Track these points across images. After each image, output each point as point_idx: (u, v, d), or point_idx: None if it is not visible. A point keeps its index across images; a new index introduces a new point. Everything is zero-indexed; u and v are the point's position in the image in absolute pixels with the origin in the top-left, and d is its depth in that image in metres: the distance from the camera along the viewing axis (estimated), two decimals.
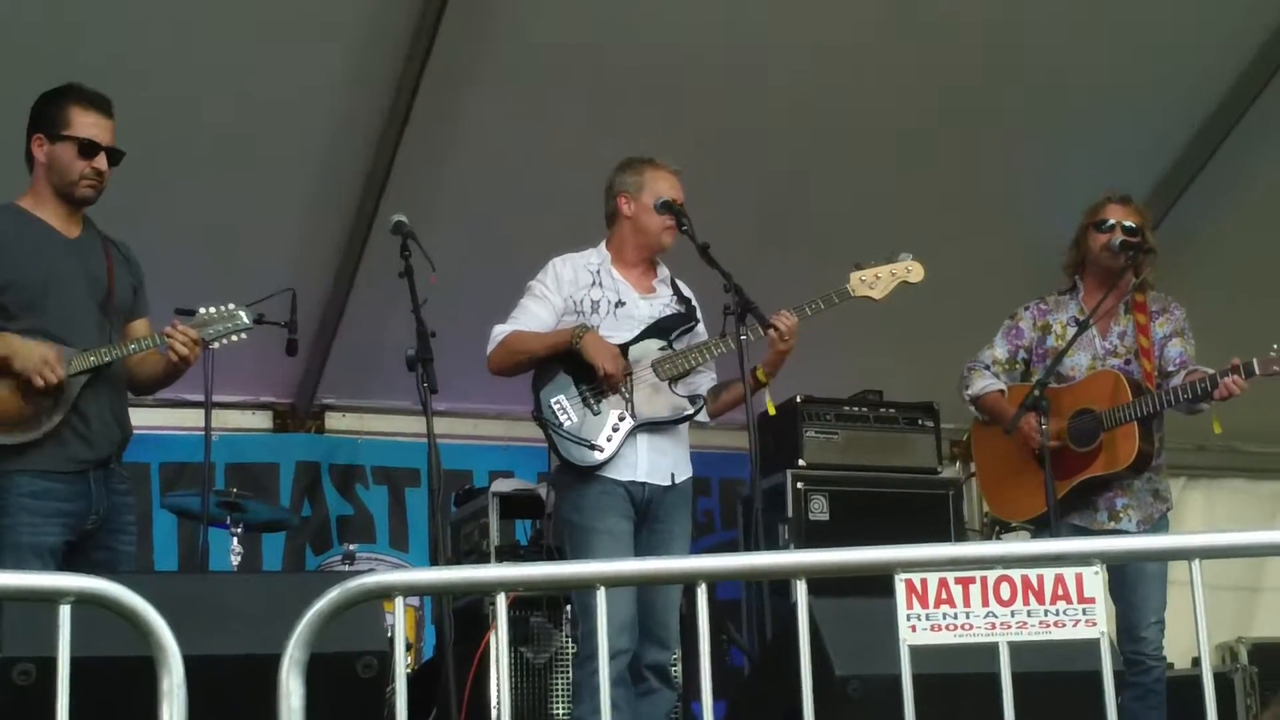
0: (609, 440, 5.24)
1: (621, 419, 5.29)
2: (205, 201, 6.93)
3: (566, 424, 5.27)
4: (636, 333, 5.42)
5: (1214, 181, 7.96)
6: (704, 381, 5.53)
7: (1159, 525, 5.70)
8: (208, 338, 4.81)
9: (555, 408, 5.30)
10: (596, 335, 5.33)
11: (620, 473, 5.26)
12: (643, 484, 5.28)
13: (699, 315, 5.54)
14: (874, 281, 5.52)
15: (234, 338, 4.87)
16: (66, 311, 4.69)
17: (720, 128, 7.12)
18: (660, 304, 5.51)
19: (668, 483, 5.33)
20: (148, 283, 5.05)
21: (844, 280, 5.51)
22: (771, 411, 5.65)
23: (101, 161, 4.77)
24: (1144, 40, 7.34)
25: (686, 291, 5.59)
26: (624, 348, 5.35)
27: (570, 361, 5.32)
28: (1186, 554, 3.04)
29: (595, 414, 5.29)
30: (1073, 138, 7.70)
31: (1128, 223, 5.76)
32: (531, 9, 6.71)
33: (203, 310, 4.83)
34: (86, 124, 4.76)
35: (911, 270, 5.55)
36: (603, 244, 5.55)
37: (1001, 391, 5.87)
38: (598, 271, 5.49)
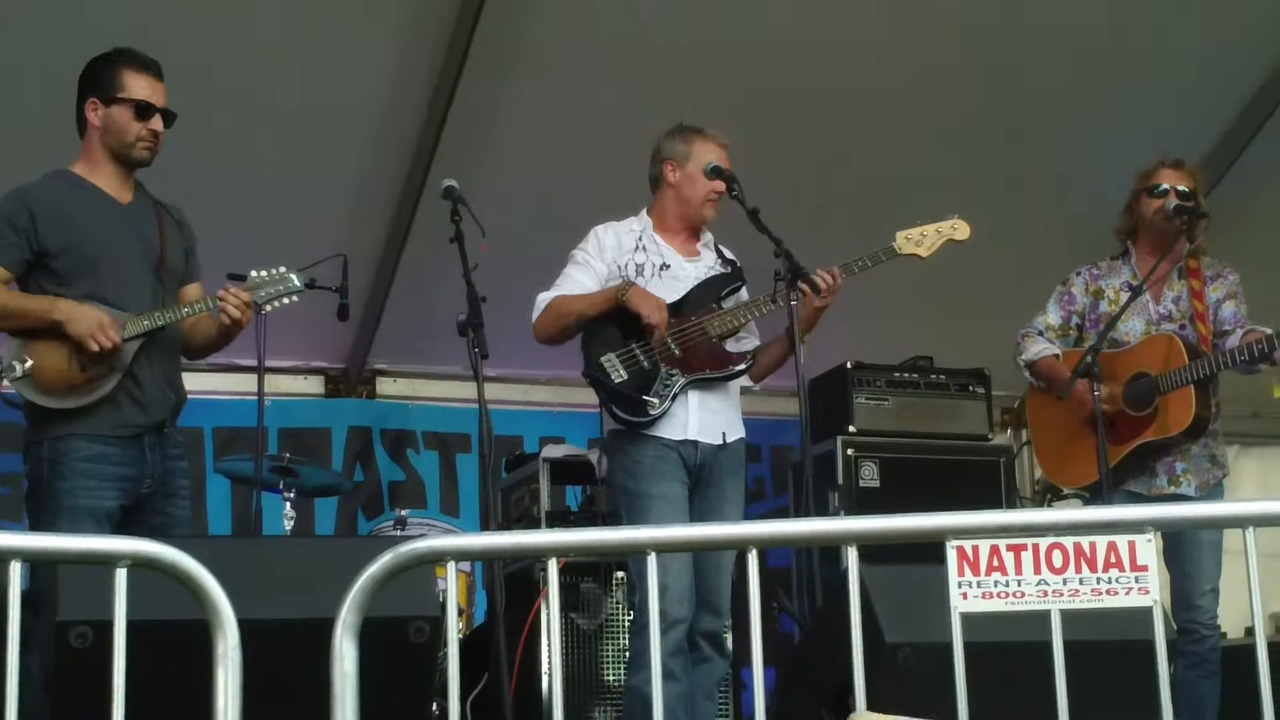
0: (659, 398, 5.24)
1: (672, 375, 5.28)
2: (257, 168, 6.96)
3: (617, 380, 5.28)
4: (683, 293, 5.41)
5: (1265, 151, 7.86)
6: (747, 345, 5.51)
7: (1214, 492, 5.66)
8: (259, 300, 4.83)
9: (605, 365, 5.30)
10: (641, 288, 5.33)
11: (672, 431, 5.26)
12: (695, 443, 5.27)
13: (744, 277, 5.52)
14: (920, 239, 5.48)
15: (285, 300, 4.89)
16: (120, 276, 4.72)
17: (766, 93, 7.08)
18: (705, 266, 5.50)
19: (719, 441, 5.31)
20: (200, 248, 5.07)
21: (889, 241, 5.47)
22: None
23: (157, 123, 4.80)
24: (1188, 14, 7.27)
25: (731, 255, 5.57)
26: (671, 306, 5.34)
27: (620, 320, 5.32)
28: (1240, 522, 3.03)
29: (646, 370, 5.29)
30: (1122, 101, 7.62)
31: (1181, 187, 5.71)
32: None
33: (254, 274, 4.86)
34: (140, 87, 4.79)
35: (958, 228, 5.51)
36: (644, 211, 5.54)
37: (1056, 356, 5.83)
38: (640, 237, 5.48)
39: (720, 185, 5.39)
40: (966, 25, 7.14)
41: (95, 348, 4.59)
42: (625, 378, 5.28)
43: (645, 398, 5.23)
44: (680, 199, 5.47)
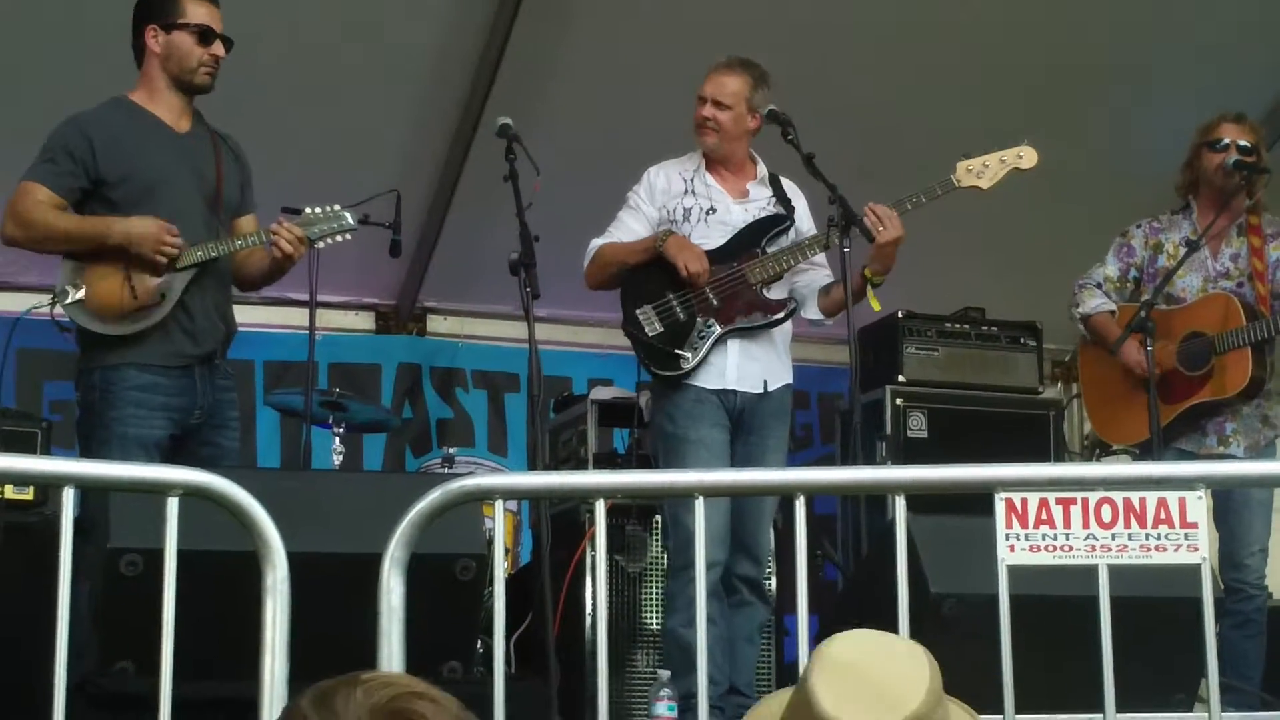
0: (694, 349, 5.23)
1: (709, 325, 5.27)
2: (313, 102, 6.95)
3: (651, 333, 5.27)
4: (728, 238, 5.38)
5: None
6: (818, 279, 5.46)
7: (1265, 452, 5.62)
8: (313, 236, 4.84)
9: (640, 317, 5.30)
10: (680, 237, 5.31)
11: (709, 380, 5.25)
12: (734, 392, 5.26)
13: (796, 216, 5.46)
14: (981, 170, 5.32)
15: (339, 238, 4.90)
16: (175, 207, 4.73)
17: (818, 47, 7.03)
18: (756, 207, 5.46)
19: (759, 390, 5.29)
20: (255, 181, 5.08)
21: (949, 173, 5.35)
22: (876, 307, 5.51)
23: (218, 48, 4.81)
24: None
25: (791, 191, 5.51)
26: (714, 253, 5.32)
27: (660, 269, 5.30)
28: None
29: (683, 322, 5.27)
30: (1181, 53, 7.53)
31: (1242, 141, 5.64)
32: None
33: (308, 210, 4.86)
34: (200, 12, 4.79)
35: (1024, 155, 5.34)
36: (699, 150, 5.51)
37: (1112, 312, 5.78)
38: (691, 179, 5.45)
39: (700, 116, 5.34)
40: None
41: (164, 260, 4.62)
42: (660, 330, 5.27)
43: (677, 351, 5.23)
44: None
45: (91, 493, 3.71)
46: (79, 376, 4.75)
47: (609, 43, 7.02)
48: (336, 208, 4.88)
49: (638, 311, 5.31)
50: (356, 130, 7.12)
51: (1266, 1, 7.34)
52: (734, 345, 5.29)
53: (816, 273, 5.46)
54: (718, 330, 5.26)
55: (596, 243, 5.44)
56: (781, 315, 5.35)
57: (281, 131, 6.70)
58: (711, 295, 5.28)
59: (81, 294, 4.62)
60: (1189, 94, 7.13)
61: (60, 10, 6.40)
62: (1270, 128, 6.80)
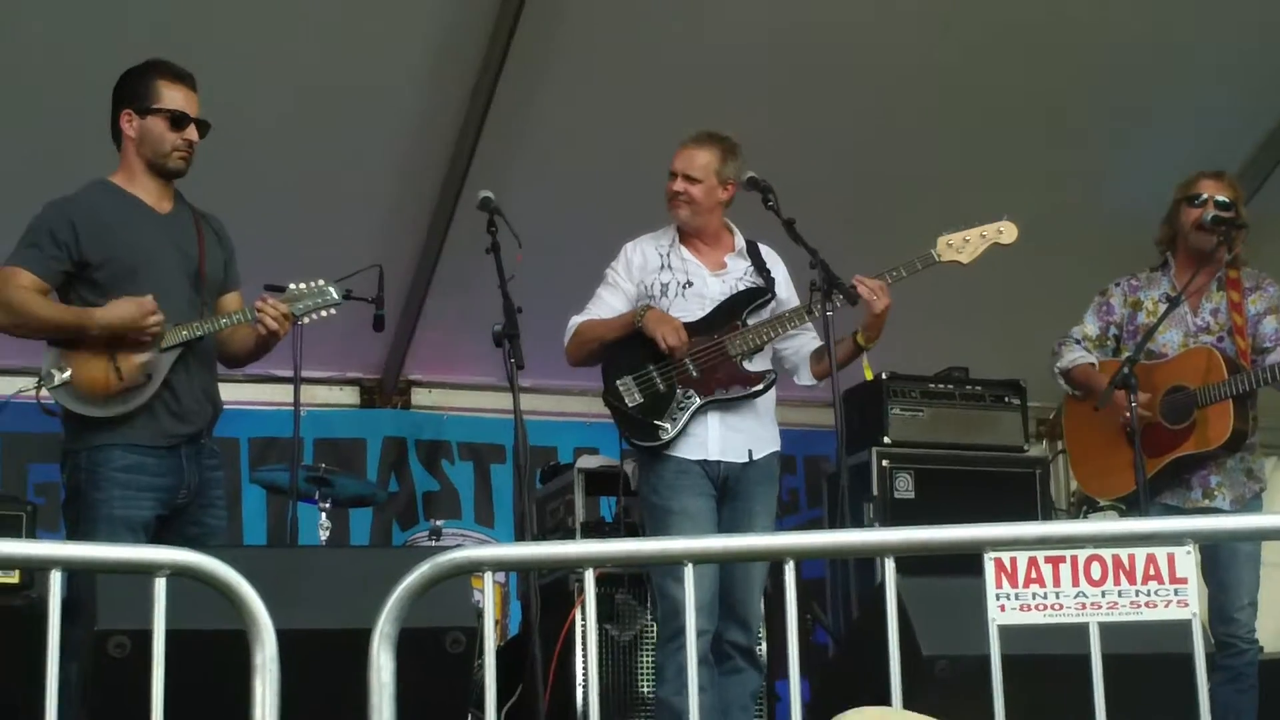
0: (673, 420, 5.24)
1: (688, 397, 5.27)
2: (294, 178, 6.99)
3: (631, 404, 5.28)
4: (707, 311, 5.40)
5: None
6: (807, 344, 5.47)
7: (1251, 505, 5.63)
8: (297, 313, 4.84)
9: (621, 388, 5.31)
10: (659, 311, 5.33)
11: (691, 451, 5.25)
12: (716, 463, 5.26)
13: (776, 288, 5.48)
14: (962, 245, 5.39)
15: (323, 313, 4.91)
16: (159, 287, 4.72)
17: (804, 97, 7.08)
18: (733, 279, 5.47)
19: (744, 459, 5.29)
20: (238, 257, 5.09)
21: (929, 247, 5.41)
22: (869, 376, 5.55)
23: (192, 133, 4.82)
24: (1232, 17, 7.23)
25: (770, 259, 5.54)
26: (694, 325, 5.33)
27: (640, 343, 5.32)
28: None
29: (663, 393, 5.28)
30: (1162, 115, 7.60)
31: (1220, 197, 5.68)
32: None
33: (293, 286, 4.87)
34: (174, 97, 4.80)
35: (1004, 231, 5.41)
36: (675, 224, 5.54)
37: (1093, 364, 5.81)
38: (667, 253, 5.48)
39: (669, 188, 5.38)
40: (1008, 32, 7.12)
41: (150, 336, 4.62)
42: (640, 401, 5.28)
43: (656, 422, 5.24)
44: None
45: (78, 574, 3.69)
46: (65, 458, 4.73)
47: (591, 116, 7.07)
48: (321, 283, 4.88)
49: (618, 382, 5.32)
50: (338, 206, 7.15)
51: (1242, 58, 7.42)
52: (714, 417, 5.29)
53: (804, 337, 5.47)
54: (697, 401, 5.27)
55: (576, 320, 5.46)
56: (760, 387, 5.35)
57: (263, 208, 6.73)
58: (691, 367, 5.29)
59: (67, 376, 4.62)
60: (1168, 151, 7.19)
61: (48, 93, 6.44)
62: (1247, 182, 6.86)
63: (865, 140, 7.40)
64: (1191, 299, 5.70)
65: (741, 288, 5.45)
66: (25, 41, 6.37)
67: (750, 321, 5.40)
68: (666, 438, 5.23)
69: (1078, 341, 5.87)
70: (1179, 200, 5.77)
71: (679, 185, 5.40)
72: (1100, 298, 5.92)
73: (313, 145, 6.93)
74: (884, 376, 7.02)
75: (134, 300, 4.64)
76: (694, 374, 5.29)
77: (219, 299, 4.95)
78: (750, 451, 5.31)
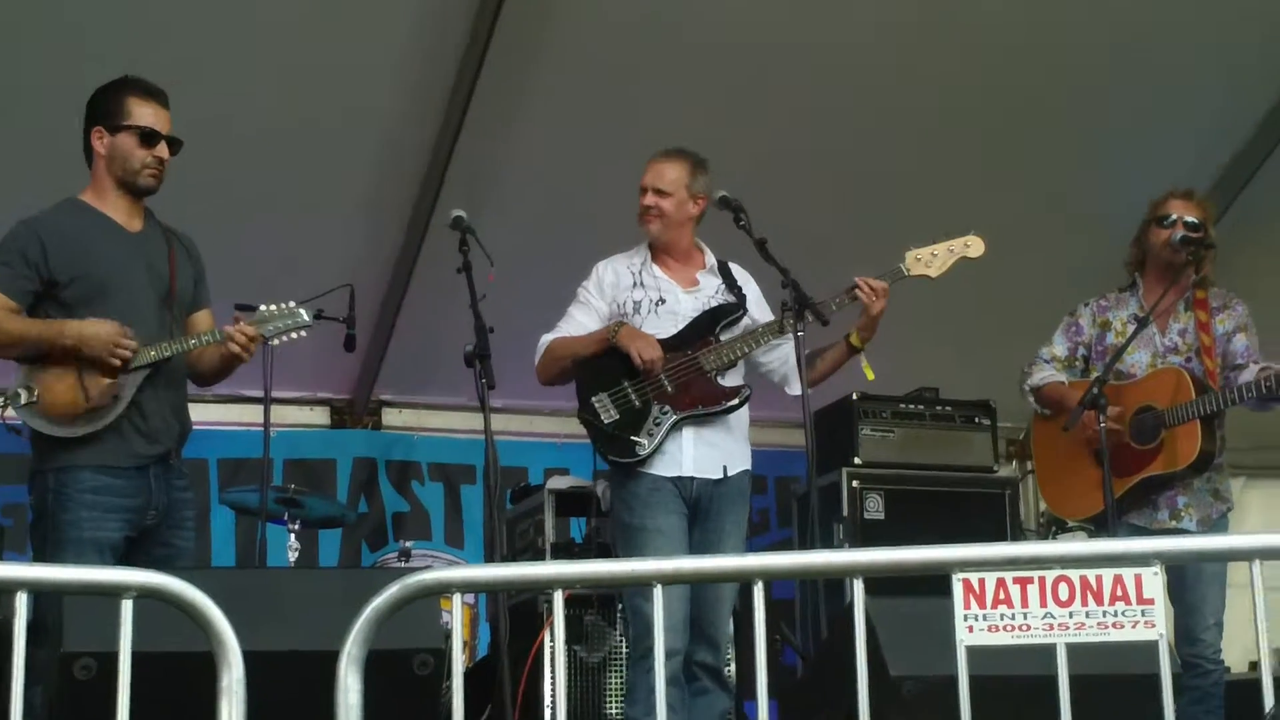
0: (650, 435, 5.24)
1: (664, 412, 5.28)
2: (265, 195, 6.97)
3: (606, 420, 5.28)
4: (680, 328, 5.41)
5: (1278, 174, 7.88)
6: (792, 354, 5.45)
7: (1218, 525, 5.65)
8: (267, 334, 4.84)
9: (596, 405, 5.32)
10: (633, 327, 5.35)
11: (665, 468, 5.25)
12: (690, 479, 5.26)
13: (748, 304, 5.50)
14: (930, 260, 5.44)
15: (294, 335, 4.90)
16: (128, 305, 4.72)
17: (775, 113, 7.10)
18: (705, 296, 5.49)
19: (718, 475, 5.30)
20: (208, 276, 5.08)
21: (898, 261, 5.44)
22: (869, 376, 5.56)
23: (162, 150, 4.81)
24: (1207, 35, 7.28)
25: (740, 277, 5.56)
26: (668, 341, 5.34)
27: (615, 359, 5.32)
28: (1246, 554, 3.02)
29: (638, 409, 5.29)
30: (1133, 137, 7.63)
31: (1189, 218, 5.71)
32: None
33: (263, 307, 4.86)
34: (145, 114, 4.80)
35: (971, 245, 5.46)
36: (645, 242, 5.55)
37: (1062, 382, 5.83)
38: (639, 271, 5.50)
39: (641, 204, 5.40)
40: (978, 36, 7.15)
41: (118, 362, 4.61)
42: (616, 417, 5.28)
43: (633, 438, 5.24)
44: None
45: (45, 596, 3.68)
46: (32, 479, 4.71)
47: (562, 133, 7.07)
48: (291, 304, 4.88)
49: (593, 399, 5.33)
50: (308, 225, 7.14)
51: (1210, 78, 7.46)
52: (689, 432, 5.30)
53: (788, 347, 5.45)
54: (673, 417, 5.28)
55: (547, 338, 5.46)
56: (736, 402, 5.36)
57: (235, 226, 6.72)
58: (666, 382, 5.30)
59: (34, 397, 4.60)
60: (1141, 167, 7.22)
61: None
62: (1217, 201, 6.89)
63: (860, 154, 7.41)
64: (1159, 319, 5.73)
65: (714, 304, 5.46)
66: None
67: (723, 337, 5.41)
68: (644, 453, 5.23)
69: (1046, 362, 5.89)
70: (1148, 220, 5.80)
71: (649, 199, 5.43)
72: (1069, 318, 5.95)
73: (284, 164, 6.91)
74: (854, 397, 7.03)
75: (111, 323, 4.63)
76: (669, 390, 5.30)
77: (189, 317, 4.94)
78: (725, 468, 5.32)
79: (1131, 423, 5.64)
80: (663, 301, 5.44)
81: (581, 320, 5.46)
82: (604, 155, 6.95)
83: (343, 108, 6.82)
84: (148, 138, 4.79)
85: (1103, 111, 7.51)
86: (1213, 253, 5.74)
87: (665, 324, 5.41)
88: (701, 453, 5.30)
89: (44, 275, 4.68)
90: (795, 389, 5.47)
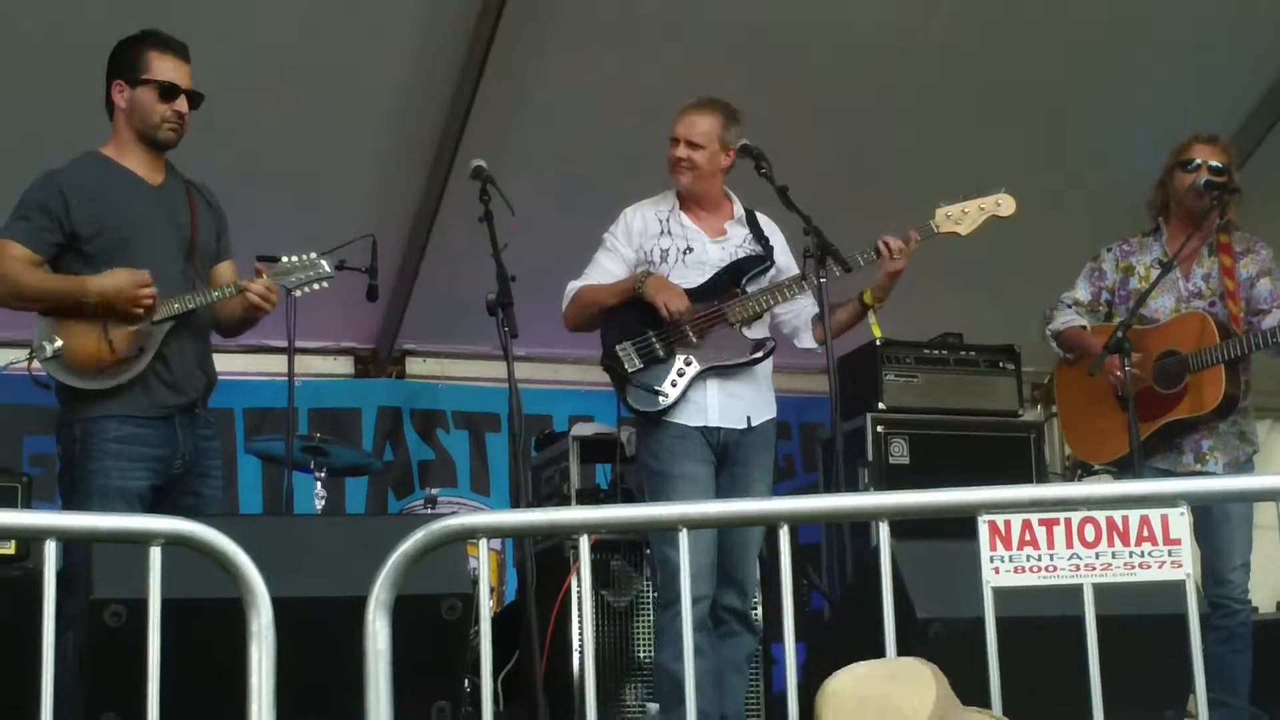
0: (673, 385, 5.24)
1: (688, 363, 5.28)
2: (286, 148, 6.97)
3: (630, 369, 5.28)
4: (707, 278, 5.40)
5: None
6: (808, 307, 5.46)
7: (1244, 468, 5.64)
8: (289, 285, 4.85)
9: (620, 354, 5.31)
10: (660, 277, 5.33)
11: (690, 418, 5.25)
12: (716, 429, 5.27)
13: (774, 255, 5.49)
14: (960, 217, 5.42)
15: (316, 286, 4.91)
16: (151, 259, 4.72)
17: (801, 71, 7.07)
18: (733, 246, 5.48)
19: (743, 425, 5.30)
20: (231, 227, 5.08)
21: (929, 217, 5.43)
22: (877, 334, 5.55)
23: (182, 104, 4.80)
24: None
25: (768, 228, 5.55)
26: (694, 292, 5.34)
27: (640, 308, 5.32)
28: (1272, 495, 3.03)
29: (662, 359, 5.28)
30: (1157, 77, 7.59)
31: (1214, 162, 5.67)
32: None
33: (285, 259, 4.87)
34: (165, 68, 4.79)
35: (1002, 204, 5.44)
36: (674, 189, 5.53)
37: (1084, 327, 5.81)
38: (666, 219, 5.47)
39: (672, 155, 5.38)
40: (999, 5, 7.11)
41: (141, 311, 4.62)
42: (640, 366, 5.28)
43: (656, 388, 5.24)
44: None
45: (74, 545, 3.70)
46: (59, 430, 4.74)
47: (586, 82, 7.05)
48: (313, 256, 4.89)
49: (618, 348, 5.32)
50: (330, 176, 7.14)
51: (1238, 23, 7.41)
52: (713, 383, 5.30)
53: (805, 301, 5.46)
54: (697, 368, 5.27)
55: (574, 285, 5.45)
56: (760, 355, 5.36)
57: (255, 179, 6.72)
58: (691, 333, 5.29)
59: (59, 348, 4.62)
60: (1163, 117, 7.18)
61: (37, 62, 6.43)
62: (1241, 146, 6.85)
63: (863, 112, 7.39)
64: (1183, 264, 5.70)
65: (741, 255, 5.45)
66: (16, 19, 6.35)
67: (749, 289, 5.40)
68: (667, 403, 5.23)
69: (1069, 306, 5.88)
70: (1171, 165, 5.76)
71: (682, 151, 5.39)
72: (1092, 263, 5.93)
73: (305, 116, 6.91)
74: (878, 342, 7.02)
75: (130, 271, 4.64)
76: (694, 340, 5.29)
77: (212, 269, 4.95)
78: (749, 418, 5.31)
79: (1155, 367, 5.62)
80: (690, 250, 5.42)
81: (609, 267, 5.44)
82: (630, 102, 6.93)
83: (362, 59, 6.80)
84: (167, 92, 4.78)
85: (1132, 55, 7.46)
86: (1237, 197, 5.71)
87: (692, 273, 5.39)
88: (726, 404, 5.30)
89: (66, 228, 4.69)
90: (804, 342, 5.48)
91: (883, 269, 5.31)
